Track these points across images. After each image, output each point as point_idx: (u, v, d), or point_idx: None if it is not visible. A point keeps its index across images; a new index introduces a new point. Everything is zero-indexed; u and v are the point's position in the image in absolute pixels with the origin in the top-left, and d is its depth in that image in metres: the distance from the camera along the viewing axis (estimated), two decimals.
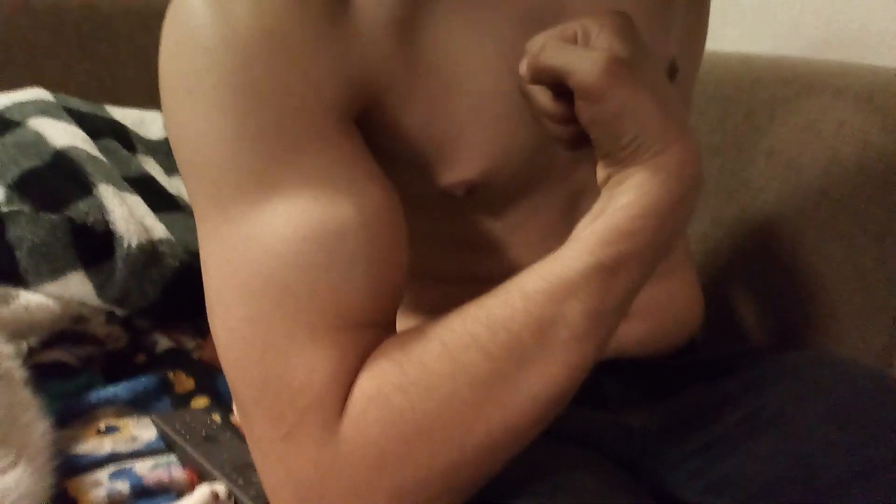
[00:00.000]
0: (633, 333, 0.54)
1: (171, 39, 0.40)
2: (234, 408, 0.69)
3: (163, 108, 0.42)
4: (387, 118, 0.44)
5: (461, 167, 0.46)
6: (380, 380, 0.37)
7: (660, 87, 0.39)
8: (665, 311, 0.57)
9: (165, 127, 0.43)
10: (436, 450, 0.37)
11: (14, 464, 0.50)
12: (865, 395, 0.47)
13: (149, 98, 0.99)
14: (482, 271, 0.52)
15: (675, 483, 0.50)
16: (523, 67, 0.40)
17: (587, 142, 0.41)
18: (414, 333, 0.39)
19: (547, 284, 0.38)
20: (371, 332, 0.39)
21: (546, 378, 0.38)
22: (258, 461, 0.40)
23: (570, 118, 0.40)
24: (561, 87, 0.39)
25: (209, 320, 0.41)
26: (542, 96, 0.41)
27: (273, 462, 0.38)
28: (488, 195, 0.48)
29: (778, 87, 0.80)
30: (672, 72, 0.52)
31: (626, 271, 0.38)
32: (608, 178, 0.40)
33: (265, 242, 0.38)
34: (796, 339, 0.75)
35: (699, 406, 0.53)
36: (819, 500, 0.42)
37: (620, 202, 0.38)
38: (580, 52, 0.38)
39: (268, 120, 0.39)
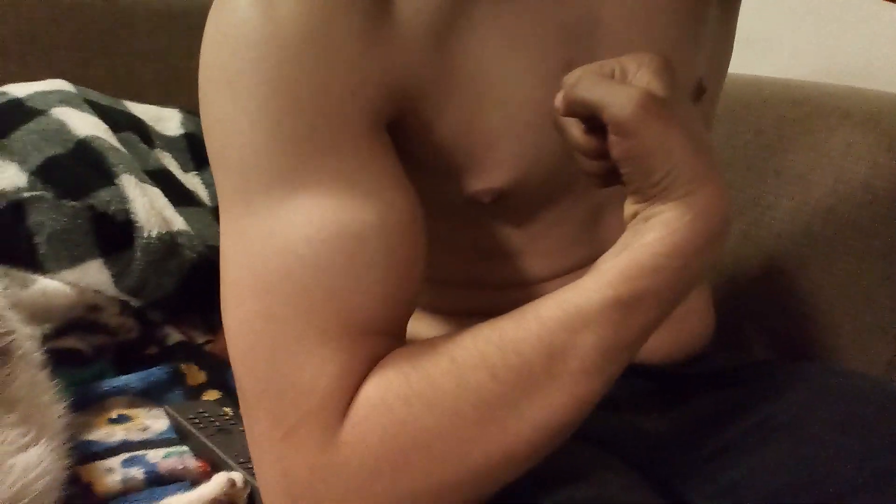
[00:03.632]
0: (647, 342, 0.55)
1: (215, 30, 0.41)
2: None
3: (200, 96, 0.42)
4: (419, 125, 0.45)
5: (490, 175, 0.46)
6: (385, 389, 0.37)
7: (692, 127, 0.38)
8: (678, 321, 0.57)
9: (201, 115, 0.42)
10: (432, 465, 0.36)
11: (35, 440, 0.51)
12: (874, 404, 0.48)
13: (165, 96, 1.00)
14: (501, 278, 0.53)
15: (686, 487, 0.50)
16: (559, 100, 0.40)
17: (617, 178, 0.40)
18: (425, 346, 0.39)
19: (563, 313, 0.37)
20: (380, 341, 0.39)
21: (551, 407, 0.37)
22: (255, 457, 0.39)
23: (602, 153, 0.39)
24: (594, 122, 0.39)
25: (222, 309, 0.41)
26: (575, 130, 0.40)
27: (269, 460, 0.38)
28: (514, 203, 0.49)
29: (787, 108, 0.82)
30: (699, 91, 0.52)
31: (644, 308, 0.37)
32: (635, 214, 0.40)
33: (285, 240, 0.38)
34: (800, 354, 0.77)
35: (710, 413, 0.53)
36: None
37: (646, 238, 0.38)
38: (616, 87, 0.37)
39: (302, 120, 0.39)
